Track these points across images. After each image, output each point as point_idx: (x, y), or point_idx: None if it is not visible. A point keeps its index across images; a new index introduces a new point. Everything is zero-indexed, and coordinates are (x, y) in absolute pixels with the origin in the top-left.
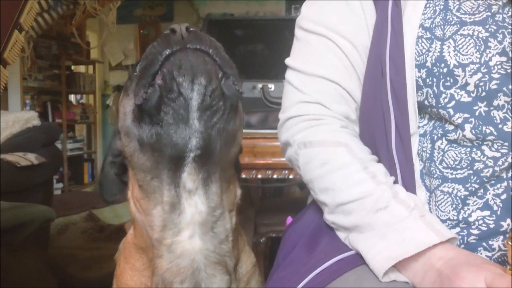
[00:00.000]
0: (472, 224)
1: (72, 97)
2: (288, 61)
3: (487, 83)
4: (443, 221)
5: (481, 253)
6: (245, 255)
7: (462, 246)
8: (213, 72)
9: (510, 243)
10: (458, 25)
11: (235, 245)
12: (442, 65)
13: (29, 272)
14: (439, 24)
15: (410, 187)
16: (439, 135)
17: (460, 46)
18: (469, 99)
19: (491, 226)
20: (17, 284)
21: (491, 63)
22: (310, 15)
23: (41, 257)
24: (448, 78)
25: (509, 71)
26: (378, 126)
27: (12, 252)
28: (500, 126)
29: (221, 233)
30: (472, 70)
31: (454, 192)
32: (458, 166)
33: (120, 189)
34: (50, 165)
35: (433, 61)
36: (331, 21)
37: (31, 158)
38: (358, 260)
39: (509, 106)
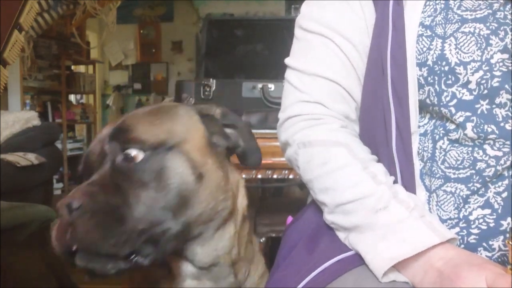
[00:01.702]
0: (472, 223)
1: (72, 97)
2: (287, 60)
3: (489, 81)
4: (444, 221)
5: (481, 253)
6: (254, 267)
7: (462, 246)
8: None
9: (511, 243)
10: (459, 23)
11: (240, 268)
12: (443, 63)
13: (29, 272)
14: (440, 22)
15: (409, 186)
16: (441, 134)
17: (461, 44)
18: (471, 97)
19: (491, 225)
20: (17, 284)
21: (492, 61)
22: (310, 14)
23: (43, 257)
24: (449, 76)
25: (510, 68)
26: (379, 125)
27: (12, 252)
28: (502, 124)
29: (223, 271)
30: (474, 68)
31: (457, 192)
32: (460, 166)
33: None
34: (50, 165)
35: (434, 59)
36: (331, 20)
37: (31, 158)
38: (358, 260)
39: (511, 104)
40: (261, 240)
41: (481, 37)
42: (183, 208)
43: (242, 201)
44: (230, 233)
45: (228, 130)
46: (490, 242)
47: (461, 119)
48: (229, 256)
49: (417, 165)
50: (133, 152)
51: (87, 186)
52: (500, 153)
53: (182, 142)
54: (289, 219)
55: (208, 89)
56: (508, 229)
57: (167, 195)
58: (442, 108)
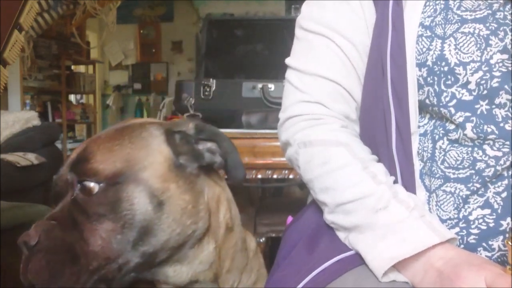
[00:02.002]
0: (471, 223)
1: (72, 97)
2: (288, 60)
3: (489, 81)
4: (444, 221)
5: (480, 253)
6: (246, 275)
7: (462, 246)
8: None
9: (510, 243)
10: (459, 23)
11: (227, 280)
12: (443, 63)
13: None
14: (439, 23)
15: (409, 186)
16: (441, 134)
17: (460, 44)
18: (471, 97)
19: (491, 225)
20: (17, 284)
21: (492, 61)
22: (310, 15)
23: None
24: (449, 77)
25: (510, 68)
26: (379, 125)
27: (12, 252)
28: (501, 124)
29: (205, 287)
30: (473, 69)
31: (457, 192)
32: (460, 166)
33: None
34: (50, 165)
35: (434, 60)
36: (331, 20)
37: (31, 158)
38: (358, 260)
39: (511, 104)
40: (261, 240)
41: (480, 37)
42: (144, 237)
43: (225, 214)
44: (208, 249)
45: (206, 145)
46: (490, 242)
47: (460, 120)
48: (210, 271)
49: (417, 165)
50: (89, 184)
51: (47, 220)
52: (499, 153)
53: (141, 170)
54: (289, 219)
55: (208, 89)
56: (507, 229)
57: (125, 227)
58: (441, 109)
